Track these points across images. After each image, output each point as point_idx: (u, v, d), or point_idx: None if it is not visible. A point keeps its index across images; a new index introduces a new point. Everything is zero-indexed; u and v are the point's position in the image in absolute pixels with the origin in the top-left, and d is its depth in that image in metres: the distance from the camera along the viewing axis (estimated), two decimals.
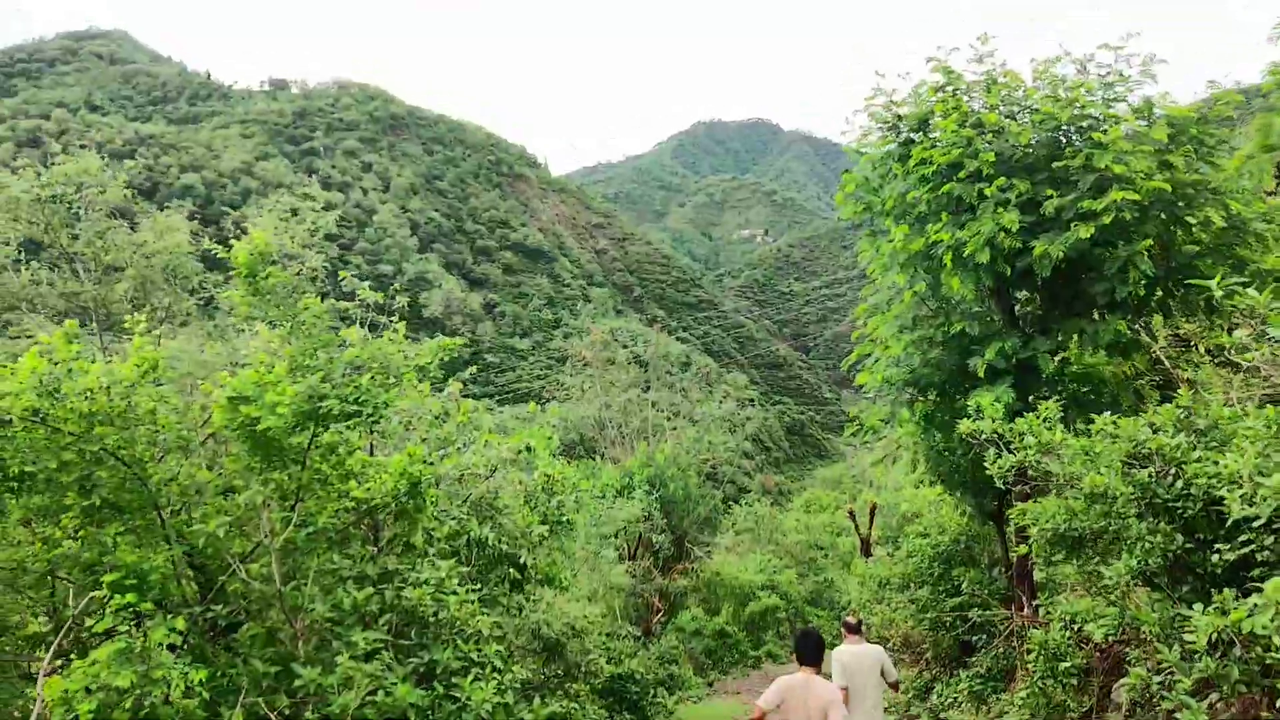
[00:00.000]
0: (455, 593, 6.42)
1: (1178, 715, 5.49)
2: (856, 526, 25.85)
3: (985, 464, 11.87)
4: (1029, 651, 9.91)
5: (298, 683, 5.41)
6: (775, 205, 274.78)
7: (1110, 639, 9.01)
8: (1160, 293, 10.56)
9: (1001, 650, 11.40)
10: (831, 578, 31.07)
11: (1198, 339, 9.51)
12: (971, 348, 10.87)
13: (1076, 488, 7.26)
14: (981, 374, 10.21)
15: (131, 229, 15.28)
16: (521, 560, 8.73)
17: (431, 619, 6.28)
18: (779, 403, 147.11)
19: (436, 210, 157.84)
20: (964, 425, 8.28)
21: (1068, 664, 8.95)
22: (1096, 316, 10.48)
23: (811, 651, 6.68)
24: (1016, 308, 11.52)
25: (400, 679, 5.77)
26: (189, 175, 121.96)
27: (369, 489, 6.97)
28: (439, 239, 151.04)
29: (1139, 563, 6.46)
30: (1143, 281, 9.91)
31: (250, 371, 5.92)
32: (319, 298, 7.46)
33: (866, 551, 23.89)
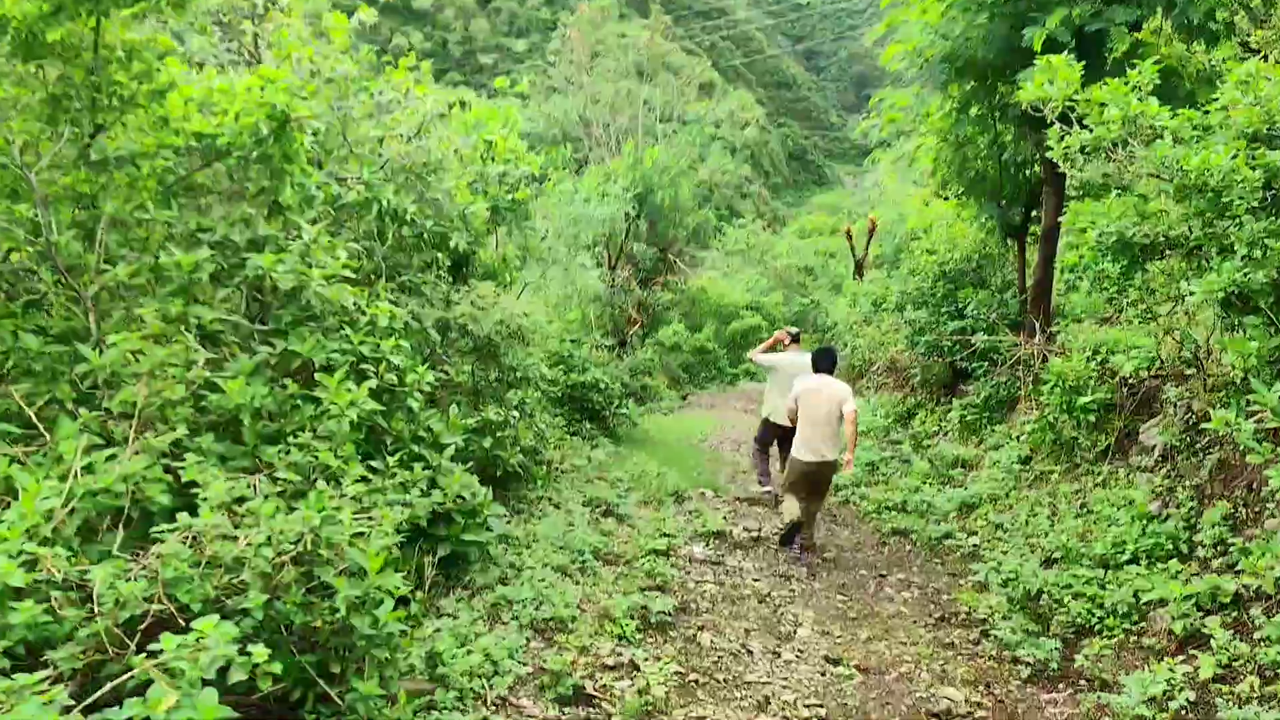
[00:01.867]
0: (324, 266, 4.79)
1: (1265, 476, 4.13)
2: (852, 248, 24.34)
3: (1023, 161, 10.02)
4: (1041, 382, 8.66)
5: (82, 367, 3.92)
6: None
7: (1142, 374, 7.70)
8: None
9: (1005, 379, 10.20)
10: (818, 300, 30.10)
11: None
12: (1029, 15, 8.61)
13: (1160, 179, 5.47)
14: (1038, 48, 8.03)
15: None
16: (454, 245, 7.06)
17: (288, 297, 4.70)
18: (783, 124, 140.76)
19: None
20: (1025, 92, 6.30)
21: (1088, 398, 7.67)
22: None
23: (827, 362, 7.86)
24: None
25: (239, 374, 4.30)
26: None
27: (219, 124, 5.15)
28: None
29: (1240, 276, 4.83)
30: None
31: None
32: None
33: (860, 274, 22.55)
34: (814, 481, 7.52)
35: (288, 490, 3.86)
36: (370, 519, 3.84)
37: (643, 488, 9.36)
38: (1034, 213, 10.80)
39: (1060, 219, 10.35)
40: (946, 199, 12.21)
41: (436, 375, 7.22)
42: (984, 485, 8.55)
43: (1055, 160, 6.24)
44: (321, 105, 6.24)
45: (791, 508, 7.54)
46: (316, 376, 4.50)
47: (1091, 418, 7.72)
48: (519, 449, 7.55)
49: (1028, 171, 10.79)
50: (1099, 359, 8.09)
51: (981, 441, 10.12)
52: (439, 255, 7.08)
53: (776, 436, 9.40)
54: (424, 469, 5.14)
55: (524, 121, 19.67)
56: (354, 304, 5.19)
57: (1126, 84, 5.61)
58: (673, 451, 12.38)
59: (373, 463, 4.56)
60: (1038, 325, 10.25)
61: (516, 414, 7.82)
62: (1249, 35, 8.88)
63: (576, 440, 11.36)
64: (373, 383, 4.66)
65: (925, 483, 9.54)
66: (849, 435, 7.26)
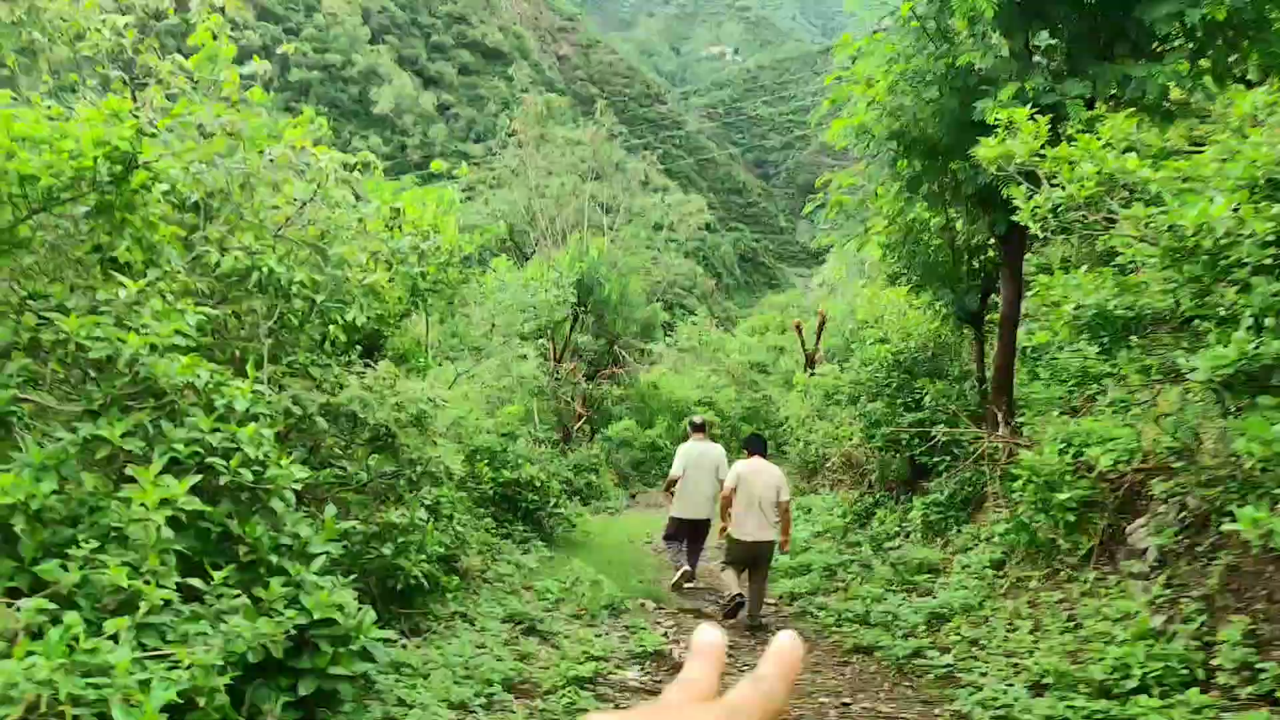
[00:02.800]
0: (151, 332, 3.87)
1: None
2: (802, 342, 23.88)
3: (977, 244, 9.51)
4: (1010, 478, 7.91)
5: None
6: (748, 23, 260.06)
7: (1121, 467, 6.99)
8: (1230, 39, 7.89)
9: (969, 475, 9.44)
10: (770, 394, 29.52)
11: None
12: (980, 88, 8.23)
13: (1145, 242, 4.84)
14: (992, 120, 7.59)
15: None
16: (352, 320, 6.17)
17: (104, 368, 3.76)
18: (734, 228, 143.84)
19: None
20: (986, 149, 5.72)
21: (1065, 495, 6.90)
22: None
23: (758, 446, 8.44)
24: (1035, 55, 8.83)
25: (24, 465, 3.32)
26: None
27: (49, 166, 4.29)
28: (392, 30, 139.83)
29: (1250, 349, 4.14)
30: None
31: None
32: None
33: (811, 367, 22.01)
34: (753, 558, 7.98)
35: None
36: (166, 657, 2.84)
37: (574, 599, 8.30)
38: (990, 297, 10.28)
39: (1021, 303, 9.88)
40: (896, 286, 11.70)
41: (333, 471, 6.26)
42: (955, 593, 7.65)
43: (1024, 224, 5.62)
44: (201, 161, 5.43)
45: (731, 580, 8.08)
46: (130, 470, 3.54)
47: (1071, 517, 6.94)
48: (425, 557, 6.52)
49: (982, 256, 10.32)
50: (1072, 452, 7.37)
51: (948, 543, 9.27)
52: (333, 332, 6.17)
53: (686, 534, 9.50)
54: (284, 584, 4.15)
55: (471, 215, 19.15)
56: (206, 382, 4.25)
57: (1098, 139, 5.04)
58: (614, 556, 11.34)
59: (195, 580, 3.56)
60: (1000, 416, 9.58)
61: (426, 516, 6.81)
62: (1206, 114, 8.57)
63: (507, 544, 10.29)
64: (200, 477, 3.70)
65: (889, 590, 8.62)
66: (785, 521, 7.99)
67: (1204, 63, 7.53)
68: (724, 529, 8.16)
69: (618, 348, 22.40)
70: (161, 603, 3.11)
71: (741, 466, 8.13)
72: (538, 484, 11.48)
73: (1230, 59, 7.26)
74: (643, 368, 24.75)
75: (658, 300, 28.02)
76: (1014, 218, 5.70)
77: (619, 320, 22.56)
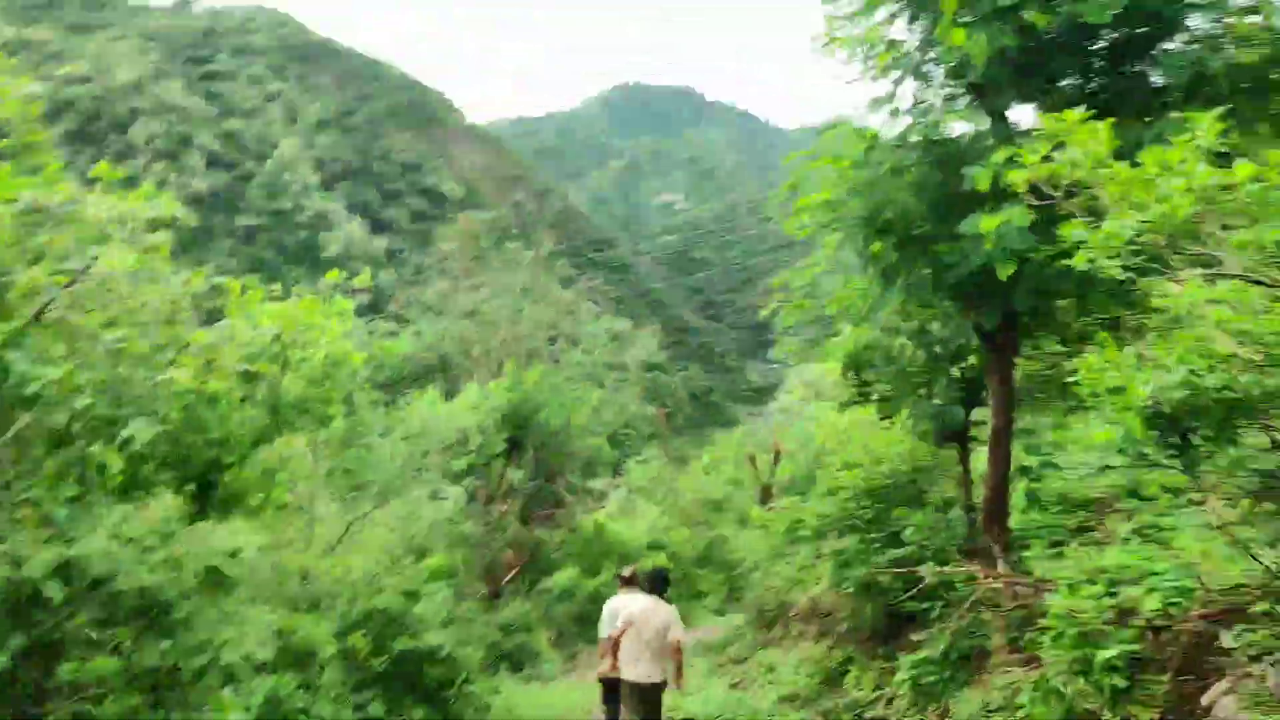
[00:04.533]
0: None
1: None
2: (757, 473, 22.25)
3: (959, 348, 8.15)
4: (1030, 626, 6.20)
5: None
6: (697, 173, 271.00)
7: (1171, 610, 5.35)
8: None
9: (965, 625, 7.68)
10: (724, 534, 27.54)
11: None
12: (965, 157, 7.03)
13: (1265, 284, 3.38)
14: (985, 187, 6.30)
15: None
16: (127, 435, 4.38)
17: None
18: (684, 368, 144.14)
19: (346, 146, 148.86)
20: (1021, 171, 4.30)
21: (1112, 653, 5.19)
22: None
23: (658, 584, 8.23)
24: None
25: None
26: (74, 88, 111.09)
27: None
28: (346, 177, 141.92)
29: None
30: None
31: None
32: None
33: (767, 500, 20.28)
34: (646, 702, 7.72)
35: None
36: None
37: None
38: (974, 410, 8.84)
39: (1013, 414, 8.42)
40: (864, 402, 10.22)
41: (79, 659, 4.33)
42: None
43: (1081, 267, 4.14)
44: None
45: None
46: None
47: (1121, 681, 5.20)
48: None
49: (963, 363, 8.93)
50: (1105, 593, 5.71)
51: (946, 713, 7.38)
52: (95, 456, 4.36)
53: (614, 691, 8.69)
54: None
55: (405, 346, 17.55)
56: None
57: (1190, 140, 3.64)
58: None
59: None
60: (996, 550, 7.92)
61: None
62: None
63: None
64: None
65: None
66: (676, 662, 7.73)
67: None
68: (613, 665, 7.89)
69: (558, 486, 20.49)
70: None
71: (635, 607, 7.89)
72: (442, 654, 9.38)
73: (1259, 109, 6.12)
74: (586, 509, 22.75)
75: (602, 436, 26.29)
76: (1070, 262, 4.24)
77: (560, 455, 20.75)
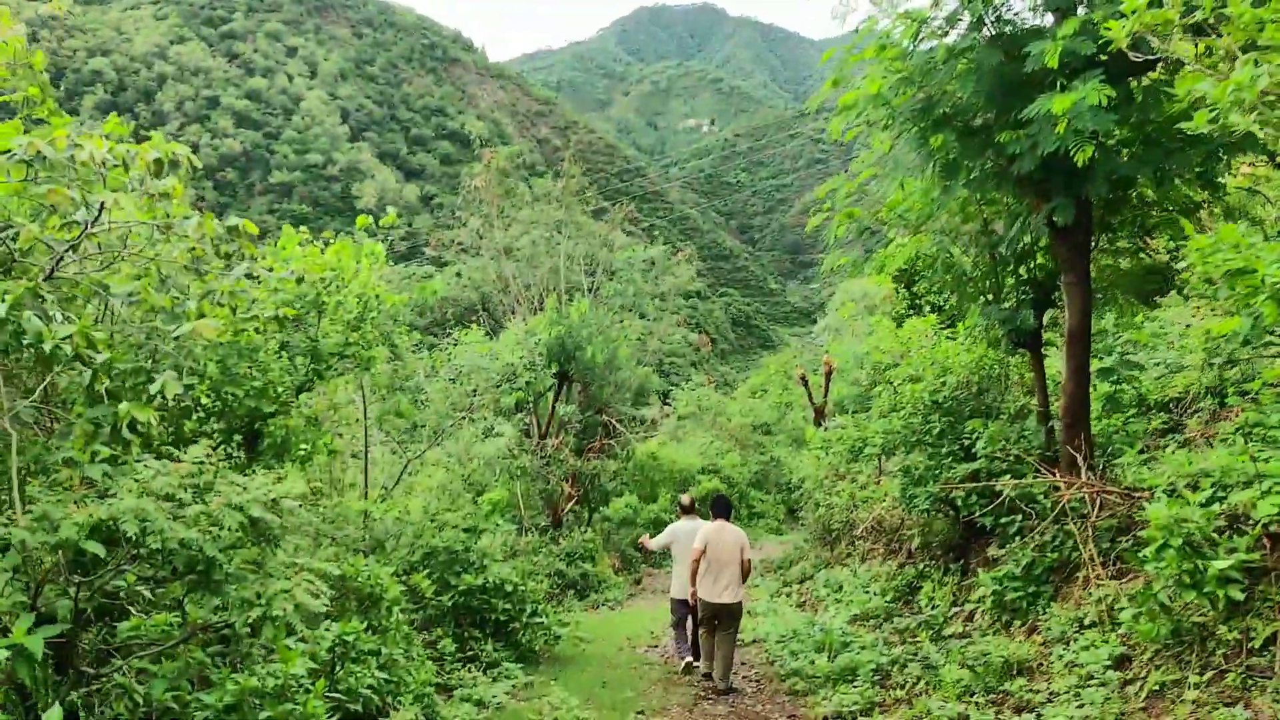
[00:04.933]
0: None
1: None
2: (810, 395, 21.88)
3: (1027, 245, 7.62)
4: (1122, 535, 5.85)
5: None
6: (721, 93, 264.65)
7: None
8: None
9: (1050, 538, 7.34)
10: (778, 457, 27.36)
11: None
12: (1026, 36, 6.43)
13: None
14: (1054, 63, 5.73)
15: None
16: (158, 389, 4.14)
17: None
18: (725, 294, 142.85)
19: (368, 97, 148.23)
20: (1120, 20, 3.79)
21: (1225, 564, 4.82)
22: None
23: (723, 509, 8.55)
24: None
25: None
26: (97, 59, 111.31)
27: None
28: (371, 127, 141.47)
29: None
30: None
31: None
32: None
33: (820, 421, 19.95)
34: (722, 618, 8.17)
35: None
36: None
37: None
38: (1049, 306, 8.35)
39: (1091, 313, 7.92)
40: (923, 311, 9.74)
41: (136, 619, 4.16)
42: (1071, 710, 5.48)
43: (1203, 131, 3.66)
44: None
45: (682, 644, 8.93)
46: None
47: (1237, 593, 4.83)
48: None
49: (1031, 263, 8.40)
50: (1216, 499, 5.32)
51: (1034, 630, 7.10)
52: (124, 413, 4.12)
53: (689, 612, 9.08)
54: None
55: (441, 286, 17.36)
56: None
57: None
58: (609, 674, 9.11)
59: None
60: (1080, 458, 7.52)
61: (318, 664, 4.69)
62: None
63: (468, 671, 8.09)
64: None
65: (970, 703, 6.43)
66: (745, 577, 8.23)
67: None
68: (693, 592, 8.30)
69: (608, 418, 20.32)
70: None
71: (709, 530, 8.30)
72: (510, 588, 9.32)
73: None
74: (638, 438, 22.61)
75: (649, 366, 26.03)
76: (1186, 125, 3.75)
77: (608, 387, 20.53)
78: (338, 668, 5.63)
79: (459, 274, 23.68)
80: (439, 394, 11.60)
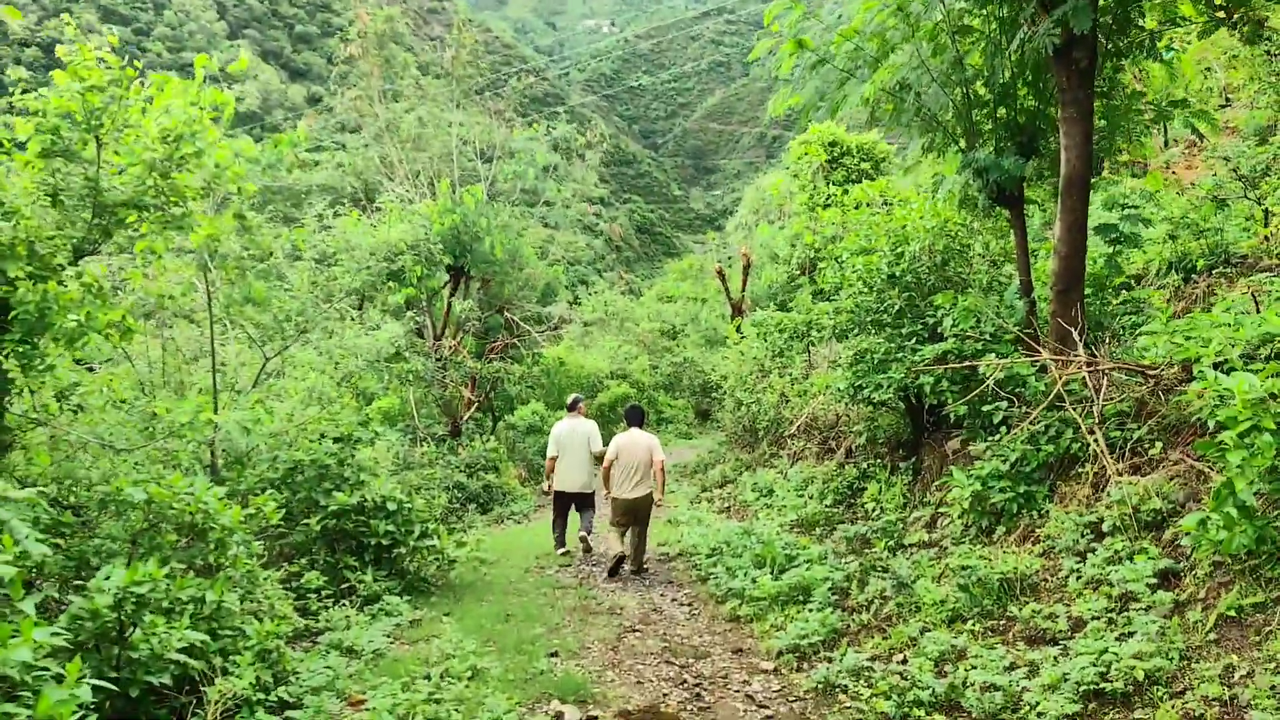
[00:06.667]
0: None
1: None
2: (726, 290, 20.56)
3: (1013, 78, 6.27)
4: (1120, 422, 4.63)
5: None
6: None
7: None
8: None
9: (1042, 427, 6.15)
10: (692, 357, 26.23)
11: None
12: None
13: None
14: None
15: None
16: None
17: None
18: (627, 199, 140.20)
19: None
20: None
21: None
22: None
23: (636, 418, 9.26)
24: None
25: None
26: None
27: None
28: (251, 24, 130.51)
29: None
30: None
31: None
32: None
33: (739, 315, 18.69)
34: (634, 511, 8.75)
35: None
36: None
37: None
38: (1034, 156, 7.01)
39: (1092, 157, 6.62)
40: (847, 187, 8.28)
41: None
42: (1111, 643, 4.28)
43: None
44: None
45: (615, 541, 8.85)
46: None
47: None
48: None
49: (1017, 101, 7.01)
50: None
51: (1028, 538, 5.94)
52: None
53: (571, 503, 9.85)
54: None
55: (319, 175, 15.06)
56: None
57: None
58: (515, 602, 7.69)
59: None
60: (1075, 333, 6.31)
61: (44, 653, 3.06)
62: None
63: (338, 611, 6.52)
64: None
65: (963, 630, 5.23)
66: (659, 480, 8.72)
67: None
68: (608, 494, 8.93)
69: (509, 315, 18.58)
70: None
71: (620, 439, 8.90)
72: (394, 506, 7.72)
73: None
74: (545, 337, 20.98)
75: (558, 263, 24.20)
76: None
77: (510, 284, 18.73)
78: (130, 631, 3.99)
79: (340, 165, 21.09)
80: (304, 280, 9.67)
